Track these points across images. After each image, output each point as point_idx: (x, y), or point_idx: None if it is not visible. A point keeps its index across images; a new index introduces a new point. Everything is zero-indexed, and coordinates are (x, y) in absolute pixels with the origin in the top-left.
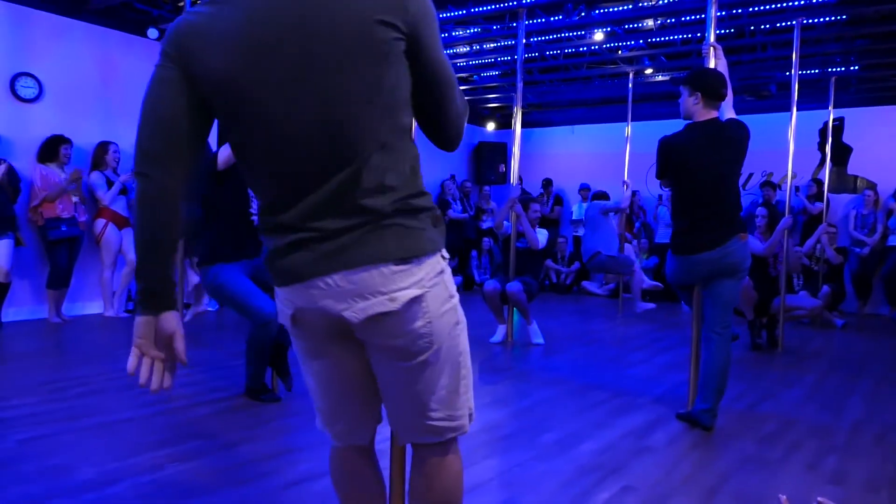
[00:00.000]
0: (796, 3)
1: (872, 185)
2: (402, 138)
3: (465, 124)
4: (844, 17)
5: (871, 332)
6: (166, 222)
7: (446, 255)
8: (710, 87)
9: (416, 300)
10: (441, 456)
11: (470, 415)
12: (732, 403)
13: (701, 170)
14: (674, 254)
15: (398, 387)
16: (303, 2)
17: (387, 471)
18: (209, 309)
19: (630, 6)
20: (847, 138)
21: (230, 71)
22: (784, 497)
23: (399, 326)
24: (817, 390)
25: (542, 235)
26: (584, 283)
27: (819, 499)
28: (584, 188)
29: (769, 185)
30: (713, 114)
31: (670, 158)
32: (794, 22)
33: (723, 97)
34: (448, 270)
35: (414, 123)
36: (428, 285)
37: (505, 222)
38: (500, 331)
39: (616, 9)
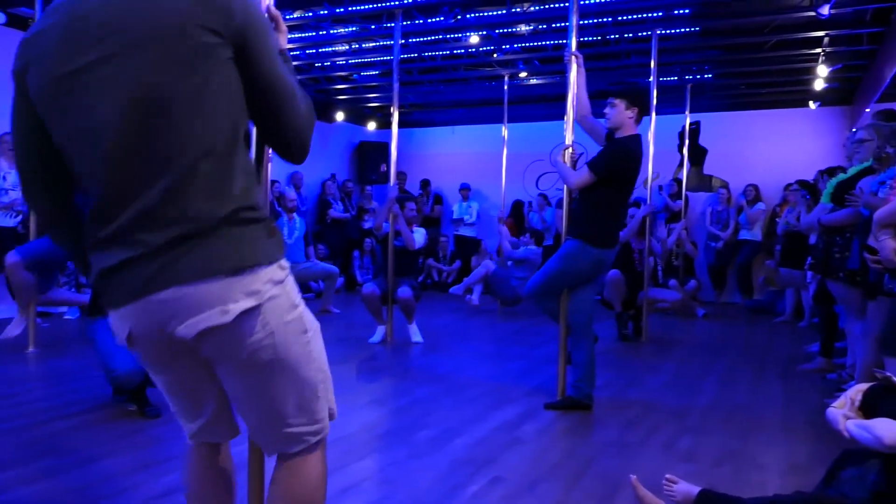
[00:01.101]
0: (654, 14)
1: (725, 184)
2: (234, 147)
3: (310, 137)
4: (698, 28)
5: (727, 320)
6: (66, 241)
7: (285, 264)
8: (646, 105)
9: (251, 312)
10: (303, 457)
11: (331, 412)
12: (599, 392)
13: (636, 177)
14: (592, 245)
15: (251, 399)
16: (124, 5)
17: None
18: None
19: (503, 11)
20: (703, 141)
21: (51, 77)
22: (634, 477)
23: (236, 339)
24: (677, 376)
25: (419, 235)
26: (477, 269)
27: (667, 476)
28: (464, 188)
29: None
30: (637, 129)
31: (630, 163)
32: (651, 32)
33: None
34: (290, 280)
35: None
36: (265, 297)
37: (384, 224)
38: (380, 331)
39: (490, 13)
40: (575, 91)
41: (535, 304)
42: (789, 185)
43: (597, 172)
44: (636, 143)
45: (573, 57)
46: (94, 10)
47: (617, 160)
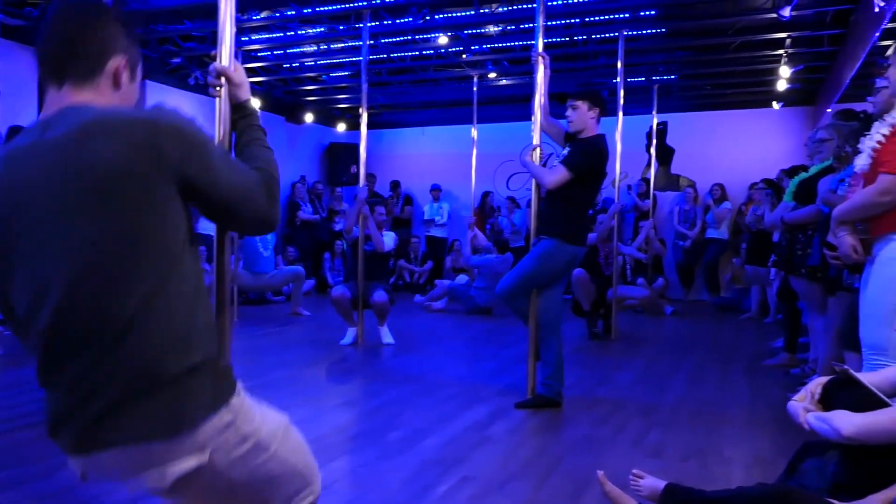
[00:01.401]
0: (621, 15)
1: (692, 183)
2: (175, 279)
3: (277, 211)
4: (664, 30)
5: (694, 317)
6: None
7: (236, 401)
8: (605, 106)
9: (195, 471)
10: None
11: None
12: (570, 389)
13: (605, 175)
14: (568, 243)
15: None
16: (51, 158)
17: None
18: None
19: (471, 12)
20: (670, 141)
21: None
22: (601, 473)
23: (185, 487)
24: (646, 372)
25: (388, 238)
26: (437, 282)
27: (634, 471)
28: (435, 189)
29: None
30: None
31: (603, 161)
32: (618, 33)
33: None
34: (241, 412)
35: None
36: (207, 452)
37: (354, 227)
38: (351, 333)
39: (458, 14)
40: (542, 91)
41: (506, 304)
42: (754, 184)
43: (574, 171)
44: (604, 142)
45: (540, 58)
46: (21, 174)
47: (593, 159)
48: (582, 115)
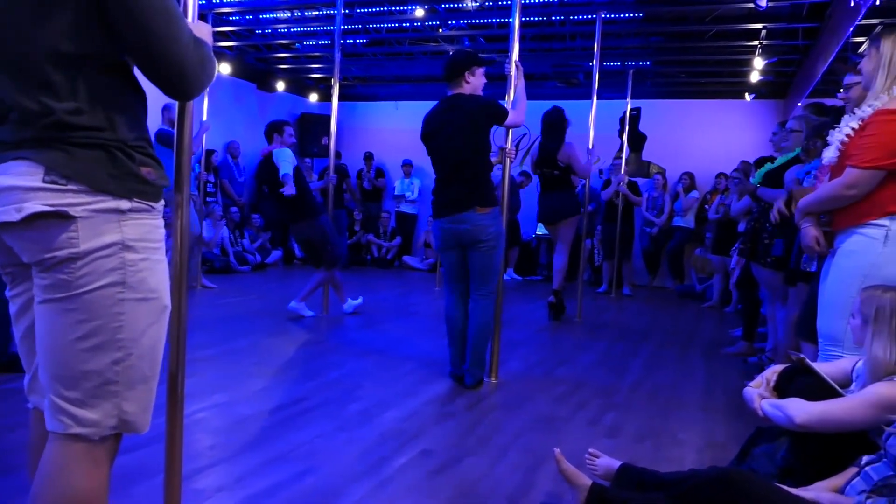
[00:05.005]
0: None
1: (662, 171)
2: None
3: (208, 78)
4: (641, 14)
5: (658, 303)
6: None
7: (155, 205)
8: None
9: (56, 218)
10: (63, 457)
11: (124, 420)
12: (532, 369)
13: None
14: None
15: (39, 333)
16: None
17: None
18: None
19: None
20: (643, 127)
21: None
22: (557, 450)
23: (33, 242)
24: (606, 355)
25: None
26: (405, 258)
27: (590, 450)
28: (406, 164)
29: None
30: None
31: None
32: (596, 15)
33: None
34: (142, 225)
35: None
36: (80, 212)
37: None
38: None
39: None
40: (513, 96)
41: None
42: (721, 173)
43: None
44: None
45: (514, 66)
46: None
47: None
48: None
